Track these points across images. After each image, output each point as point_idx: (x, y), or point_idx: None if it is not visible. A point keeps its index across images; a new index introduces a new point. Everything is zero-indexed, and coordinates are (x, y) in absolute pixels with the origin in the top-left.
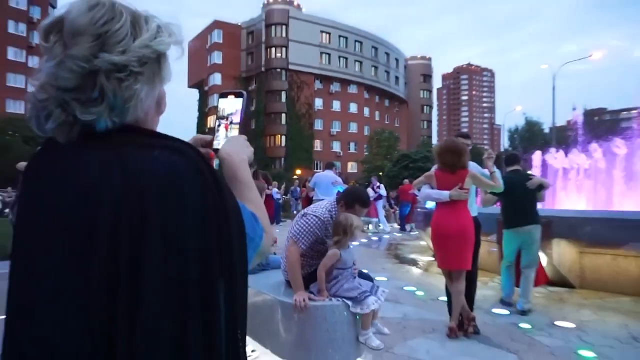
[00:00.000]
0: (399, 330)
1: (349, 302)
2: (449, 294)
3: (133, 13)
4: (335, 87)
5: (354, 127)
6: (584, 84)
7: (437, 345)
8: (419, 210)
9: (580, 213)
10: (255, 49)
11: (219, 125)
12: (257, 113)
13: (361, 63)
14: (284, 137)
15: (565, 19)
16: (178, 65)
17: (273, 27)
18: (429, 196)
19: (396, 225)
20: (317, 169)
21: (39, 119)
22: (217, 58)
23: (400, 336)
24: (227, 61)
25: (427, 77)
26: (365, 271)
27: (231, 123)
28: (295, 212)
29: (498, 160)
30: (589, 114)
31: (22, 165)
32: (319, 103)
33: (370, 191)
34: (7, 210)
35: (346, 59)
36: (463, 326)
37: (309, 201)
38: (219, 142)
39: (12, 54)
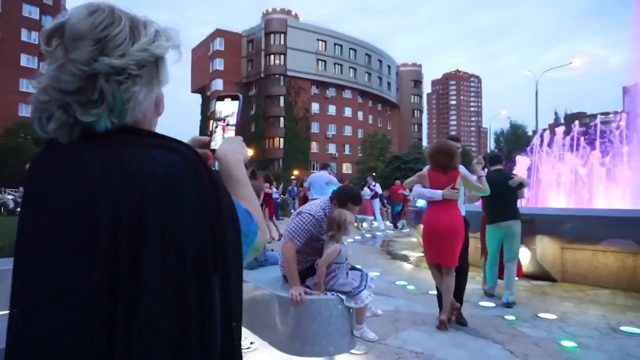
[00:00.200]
0: (391, 322)
1: (343, 297)
2: (438, 288)
3: (132, 18)
4: (330, 92)
5: (348, 130)
6: (564, 90)
7: (426, 337)
8: (409, 208)
9: (561, 210)
10: (255, 56)
11: (216, 127)
12: (257, 117)
13: (355, 69)
14: (282, 140)
15: (548, 28)
16: (181, 71)
17: (272, 35)
18: (422, 195)
19: (388, 223)
20: (313, 170)
21: (41, 120)
22: (218, 64)
23: (391, 328)
24: (228, 67)
25: (418, 83)
26: (358, 266)
27: (227, 124)
28: (292, 211)
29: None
30: (569, 118)
31: None
32: (315, 107)
33: (366, 190)
34: (19, 209)
35: (341, 65)
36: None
37: (305, 200)
38: (216, 143)
39: (25, 60)
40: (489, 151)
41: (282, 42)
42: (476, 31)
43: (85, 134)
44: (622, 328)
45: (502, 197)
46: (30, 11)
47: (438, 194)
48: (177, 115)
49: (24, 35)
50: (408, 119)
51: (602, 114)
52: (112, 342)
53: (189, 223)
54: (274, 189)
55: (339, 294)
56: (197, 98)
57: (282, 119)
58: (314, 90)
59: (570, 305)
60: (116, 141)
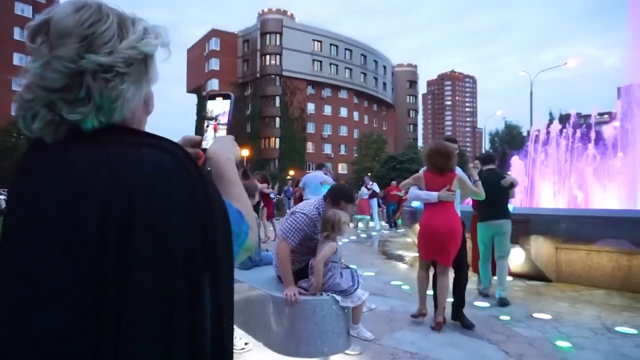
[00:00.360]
0: (386, 322)
1: (339, 297)
2: (434, 288)
3: (120, 15)
4: (326, 92)
5: (344, 130)
6: (559, 90)
7: (421, 337)
8: (405, 208)
9: (556, 211)
10: (251, 56)
11: (208, 126)
12: (252, 117)
13: (351, 70)
14: (277, 140)
15: (543, 29)
16: (177, 71)
17: (267, 36)
18: (418, 196)
19: (384, 223)
20: (309, 170)
21: (26, 118)
22: (214, 64)
23: (386, 328)
24: (224, 67)
25: (413, 83)
26: (352, 266)
27: (219, 124)
28: (287, 210)
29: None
30: (564, 118)
31: None
32: (311, 107)
33: (363, 189)
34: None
35: (337, 65)
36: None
37: (301, 200)
38: (208, 142)
39: (18, 59)
40: (483, 151)
41: (278, 43)
42: (472, 32)
43: (72, 132)
44: (617, 328)
45: (494, 196)
46: (23, 9)
47: (434, 195)
48: (172, 116)
49: (17, 34)
50: (403, 119)
51: (598, 114)
52: (100, 341)
53: (179, 223)
54: (271, 189)
55: (334, 295)
56: (193, 98)
57: (277, 119)
58: (310, 90)
59: (565, 305)
60: (104, 140)
